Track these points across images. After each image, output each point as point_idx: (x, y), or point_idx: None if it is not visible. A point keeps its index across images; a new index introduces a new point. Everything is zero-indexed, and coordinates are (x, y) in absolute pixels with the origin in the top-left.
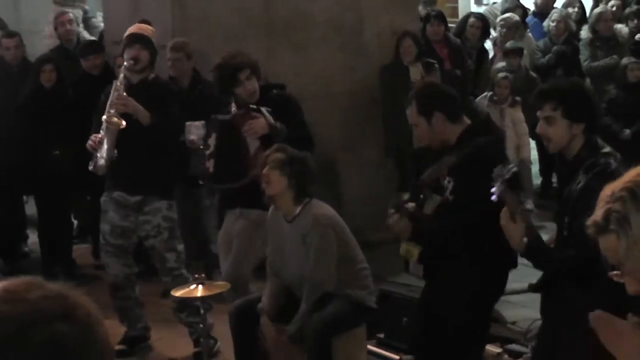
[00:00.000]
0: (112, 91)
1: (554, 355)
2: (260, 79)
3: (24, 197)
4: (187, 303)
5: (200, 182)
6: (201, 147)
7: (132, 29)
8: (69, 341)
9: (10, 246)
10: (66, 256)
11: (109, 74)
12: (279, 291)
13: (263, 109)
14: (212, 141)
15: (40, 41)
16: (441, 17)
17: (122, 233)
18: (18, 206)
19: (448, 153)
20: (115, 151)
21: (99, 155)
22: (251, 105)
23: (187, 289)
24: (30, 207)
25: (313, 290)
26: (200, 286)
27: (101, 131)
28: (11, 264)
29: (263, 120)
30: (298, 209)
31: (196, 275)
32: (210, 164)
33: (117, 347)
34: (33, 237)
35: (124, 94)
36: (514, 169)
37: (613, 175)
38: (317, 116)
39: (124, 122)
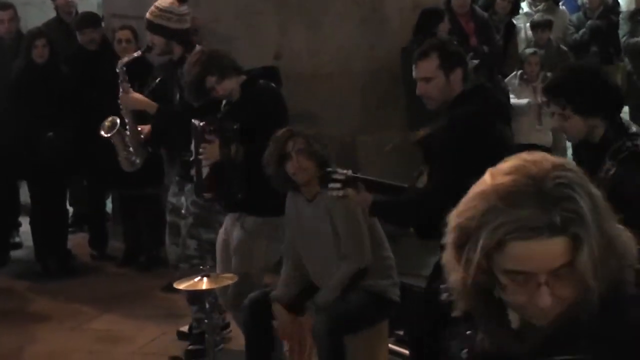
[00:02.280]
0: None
1: None
2: (242, 72)
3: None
4: (198, 296)
5: None
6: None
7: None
8: None
9: (0, 236)
10: (61, 246)
11: (107, 50)
12: (294, 280)
13: (230, 128)
14: (192, 147)
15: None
16: None
17: (172, 209)
18: (13, 192)
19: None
20: (130, 150)
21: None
22: (208, 125)
23: (191, 282)
24: (22, 194)
25: (349, 265)
26: (205, 279)
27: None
28: (2, 255)
29: (216, 146)
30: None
31: (201, 267)
32: (193, 172)
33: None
34: (25, 226)
35: (130, 89)
36: None
37: None
38: (334, 97)
39: (113, 121)
